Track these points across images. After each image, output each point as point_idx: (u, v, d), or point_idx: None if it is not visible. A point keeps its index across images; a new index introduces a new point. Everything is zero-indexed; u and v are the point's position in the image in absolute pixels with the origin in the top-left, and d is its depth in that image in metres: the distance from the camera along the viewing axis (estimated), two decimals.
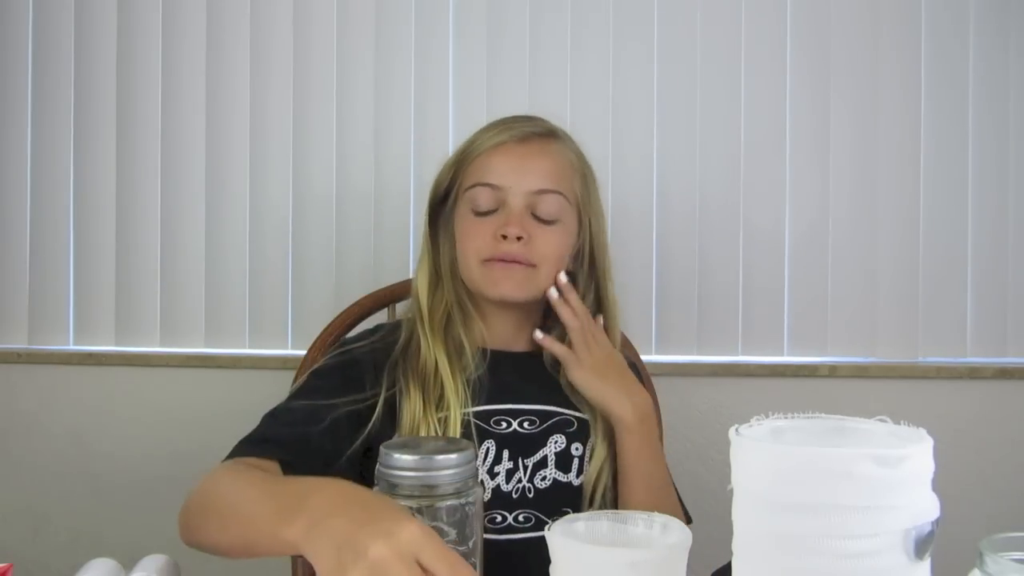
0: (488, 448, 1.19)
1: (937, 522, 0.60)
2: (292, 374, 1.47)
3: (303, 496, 0.81)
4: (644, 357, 1.55)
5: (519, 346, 1.28)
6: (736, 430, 0.65)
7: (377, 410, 1.16)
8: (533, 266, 1.20)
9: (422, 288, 1.25)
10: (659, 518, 0.78)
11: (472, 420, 1.18)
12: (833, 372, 1.76)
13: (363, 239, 1.79)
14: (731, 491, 0.65)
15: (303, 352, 1.49)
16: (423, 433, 1.15)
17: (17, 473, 1.83)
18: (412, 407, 1.16)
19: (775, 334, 1.79)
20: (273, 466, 1.04)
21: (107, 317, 1.83)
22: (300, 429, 1.11)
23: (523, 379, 1.25)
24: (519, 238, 1.18)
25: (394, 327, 1.27)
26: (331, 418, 1.13)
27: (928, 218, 1.78)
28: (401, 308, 1.46)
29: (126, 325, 1.83)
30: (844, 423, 0.67)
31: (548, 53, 1.79)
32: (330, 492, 0.80)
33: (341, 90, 1.81)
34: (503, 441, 1.20)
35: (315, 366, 1.24)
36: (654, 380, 1.48)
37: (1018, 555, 0.66)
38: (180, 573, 0.90)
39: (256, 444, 1.08)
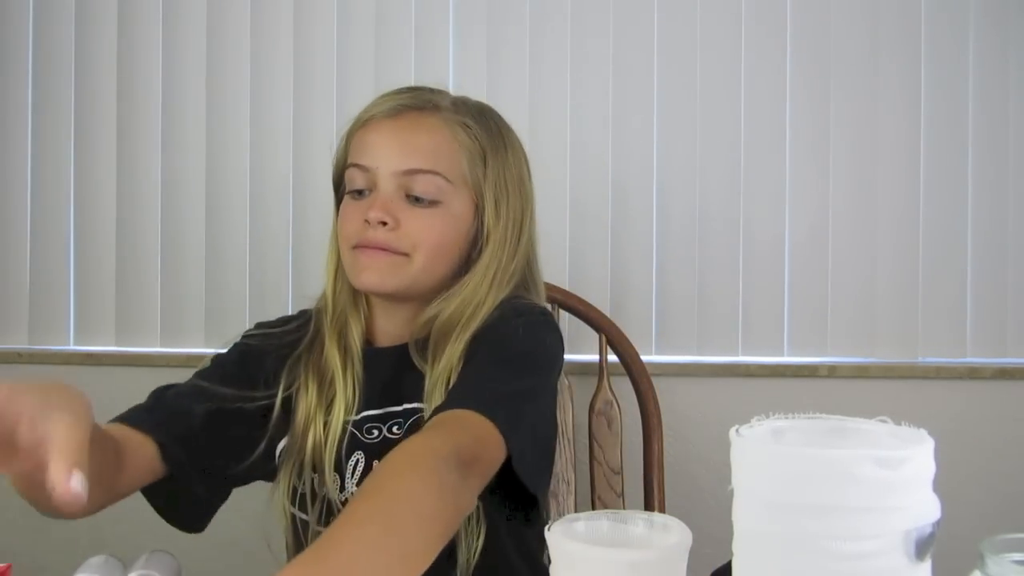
0: (358, 460, 1.11)
1: (938, 523, 0.60)
2: None
3: None
4: (644, 357, 1.55)
5: (396, 340, 1.17)
6: (736, 430, 0.65)
7: (275, 412, 1.12)
8: (404, 254, 1.09)
9: (328, 275, 1.17)
10: (659, 518, 0.78)
11: (350, 429, 1.11)
12: (833, 372, 1.76)
13: None
14: (731, 491, 0.65)
15: None
16: (311, 436, 1.09)
17: None
18: (306, 406, 1.11)
19: (775, 334, 1.79)
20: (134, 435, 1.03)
21: (107, 317, 1.83)
22: (182, 407, 1.08)
23: (396, 376, 1.13)
24: (384, 223, 1.07)
25: (310, 318, 1.19)
26: (214, 407, 1.09)
27: (928, 218, 1.78)
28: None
29: (126, 325, 1.83)
30: (844, 424, 0.67)
31: (548, 53, 1.79)
32: None
33: (341, 90, 1.80)
34: (372, 451, 1.11)
35: (223, 350, 1.19)
36: (654, 380, 1.48)
37: (1019, 556, 0.65)
38: (181, 571, 0.90)
39: (136, 415, 1.06)
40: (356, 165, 1.11)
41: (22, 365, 1.83)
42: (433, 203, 1.10)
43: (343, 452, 1.11)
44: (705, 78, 1.79)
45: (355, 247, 1.10)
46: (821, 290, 1.78)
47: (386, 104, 1.12)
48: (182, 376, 1.81)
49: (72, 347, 1.85)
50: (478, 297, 1.11)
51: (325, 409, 1.11)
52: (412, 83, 1.78)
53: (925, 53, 1.77)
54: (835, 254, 1.78)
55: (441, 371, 1.08)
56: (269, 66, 1.81)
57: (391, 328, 1.17)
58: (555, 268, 1.71)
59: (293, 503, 1.13)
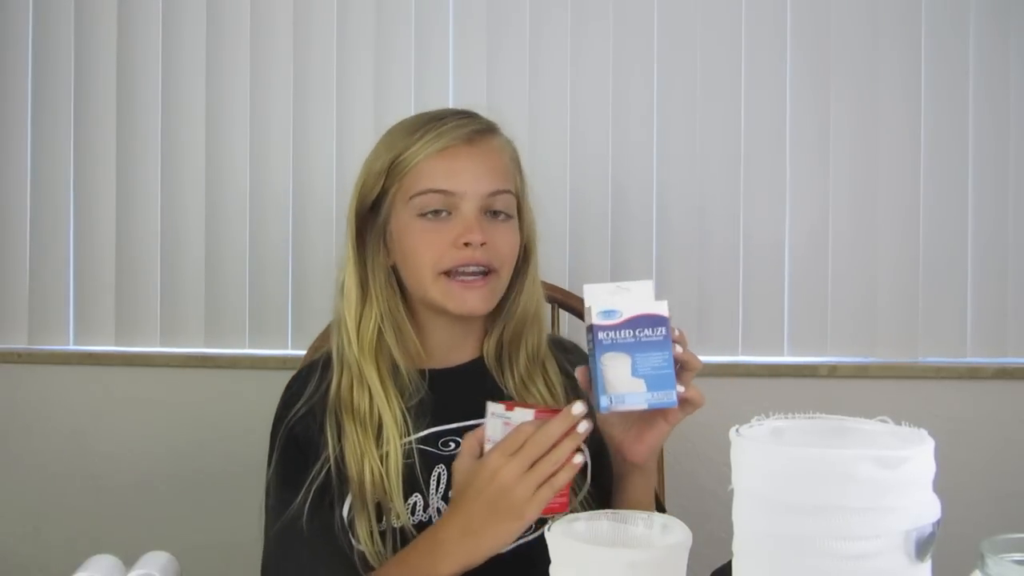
0: (439, 473, 1.12)
1: (938, 523, 0.60)
2: (292, 374, 1.46)
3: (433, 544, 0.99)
4: None
5: (459, 358, 1.20)
6: (736, 430, 0.65)
7: (331, 470, 1.10)
8: (494, 271, 1.12)
9: (348, 306, 1.16)
10: (659, 518, 0.78)
11: (416, 447, 1.12)
12: (833, 372, 1.76)
13: None
14: (731, 491, 0.65)
15: (303, 352, 1.49)
16: (367, 471, 1.08)
17: (17, 473, 1.83)
18: (353, 446, 1.10)
19: (775, 334, 1.79)
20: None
21: (107, 317, 1.83)
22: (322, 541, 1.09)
23: (467, 393, 1.13)
24: (482, 244, 1.10)
25: (324, 368, 1.17)
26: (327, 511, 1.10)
27: (928, 218, 1.78)
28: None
29: (126, 325, 1.83)
30: (845, 423, 0.67)
31: (548, 53, 1.79)
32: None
33: (341, 90, 1.80)
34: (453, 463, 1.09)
35: (271, 460, 1.16)
36: None
37: (1019, 556, 0.65)
38: (180, 570, 0.90)
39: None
40: (438, 191, 1.12)
41: (22, 365, 1.83)
42: (508, 217, 1.16)
43: (419, 470, 1.11)
44: (705, 78, 1.79)
45: (445, 273, 1.11)
46: (821, 290, 1.78)
47: (457, 131, 1.13)
48: (181, 376, 1.84)
49: (72, 347, 1.84)
50: (535, 295, 1.20)
51: (375, 440, 1.10)
52: (412, 85, 1.80)
53: (926, 54, 1.77)
54: (835, 254, 1.78)
55: (527, 365, 1.19)
56: (269, 66, 1.81)
57: (451, 342, 1.19)
58: (555, 268, 1.71)
59: (375, 542, 1.10)
